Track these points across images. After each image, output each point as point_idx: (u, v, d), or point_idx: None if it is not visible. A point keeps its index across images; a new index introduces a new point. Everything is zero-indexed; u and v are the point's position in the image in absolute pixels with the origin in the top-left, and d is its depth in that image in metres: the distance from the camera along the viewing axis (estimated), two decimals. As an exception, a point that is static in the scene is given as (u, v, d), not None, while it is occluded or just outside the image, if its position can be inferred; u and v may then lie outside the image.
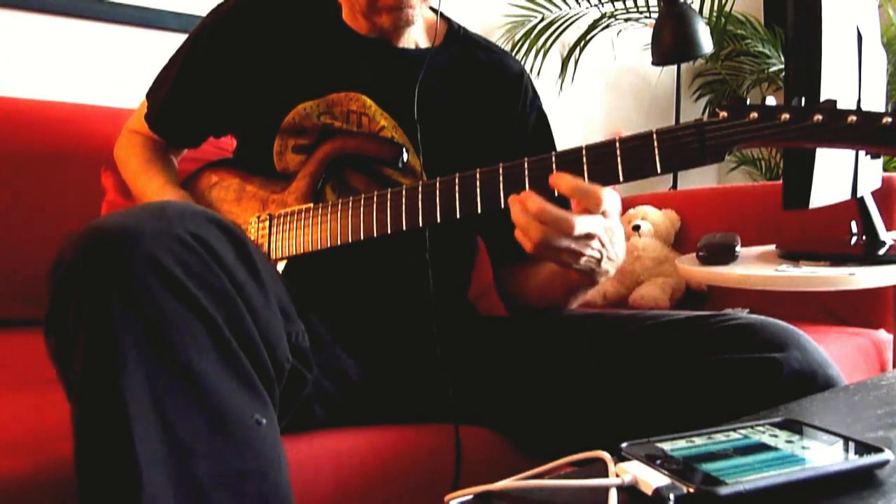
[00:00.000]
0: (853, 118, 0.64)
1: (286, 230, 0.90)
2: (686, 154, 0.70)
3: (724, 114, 0.68)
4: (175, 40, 1.03)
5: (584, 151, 0.74)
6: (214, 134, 1.07)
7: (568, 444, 0.55)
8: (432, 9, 0.98)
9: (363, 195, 0.85)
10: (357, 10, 0.91)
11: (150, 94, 1.05)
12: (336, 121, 0.92)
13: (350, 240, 0.84)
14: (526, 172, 0.76)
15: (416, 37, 0.98)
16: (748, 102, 0.68)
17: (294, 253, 0.89)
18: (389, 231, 0.82)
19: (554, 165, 0.75)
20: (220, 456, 0.53)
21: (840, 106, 0.65)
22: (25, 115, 1.30)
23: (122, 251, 0.53)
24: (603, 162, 0.73)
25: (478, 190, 0.78)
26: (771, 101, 0.67)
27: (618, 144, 0.72)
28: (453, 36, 1.01)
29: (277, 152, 0.93)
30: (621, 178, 0.72)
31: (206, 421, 0.53)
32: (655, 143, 0.70)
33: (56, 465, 0.62)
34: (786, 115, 0.66)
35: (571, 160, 0.75)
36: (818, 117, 0.65)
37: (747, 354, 0.72)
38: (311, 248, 0.87)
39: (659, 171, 0.70)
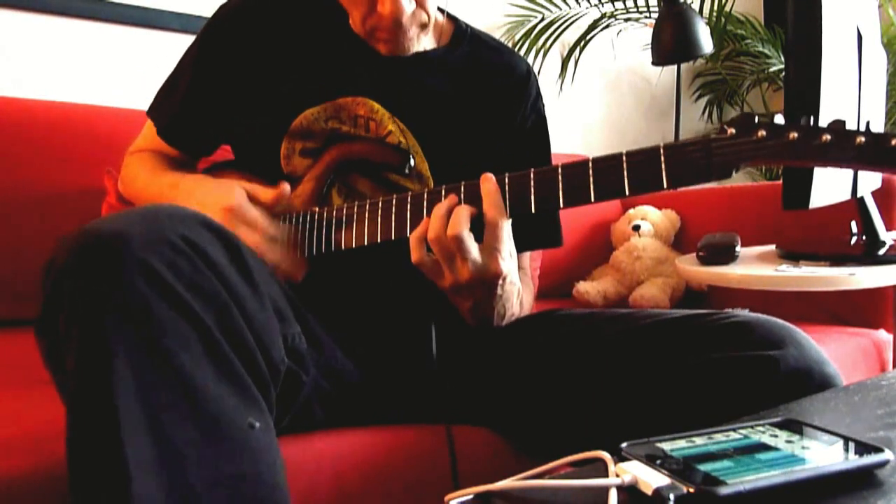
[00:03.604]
0: (861, 139, 0.62)
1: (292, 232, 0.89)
2: (692, 170, 0.69)
3: (731, 130, 0.68)
4: (175, 40, 1.02)
5: (590, 164, 0.74)
6: (227, 140, 1.04)
7: (567, 444, 0.55)
8: (439, 9, 0.97)
9: (368, 200, 0.84)
10: (358, 30, 0.91)
11: (157, 108, 1.01)
12: (344, 125, 0.91)
13: (354, 245, 0.84)
14: (532, 183, 0.76)
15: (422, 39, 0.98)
16: (756, 119, 0.67)
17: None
18: (394, 237, 0.82)
19: (560, 177, 0.75)
20: (214, 460, 0.53)
21: (848, 124, 0.64)
22: (25, 115, 1.30)
23: (113, 255, 0.53)
24: (609, 175, 0.73)
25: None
26: (779, 118, 0.67)
27: (624, 159, 0.72)
28: (461, 36, 1.00)
29: (285, 155, 0.93)
30: (627, 193, 0.72)
31: (198, 426, 0.53)
32: (662, 159, 0.70)
33: (54, 465, 0.62)
34: (794, 134, 0.65)
35: (578, 173, 0.74)
36: (826, 137, 0.63)
37: (743, 352, 0.71)
38: (317, 252, 0.87)
39: (665, 186, 0.70)
